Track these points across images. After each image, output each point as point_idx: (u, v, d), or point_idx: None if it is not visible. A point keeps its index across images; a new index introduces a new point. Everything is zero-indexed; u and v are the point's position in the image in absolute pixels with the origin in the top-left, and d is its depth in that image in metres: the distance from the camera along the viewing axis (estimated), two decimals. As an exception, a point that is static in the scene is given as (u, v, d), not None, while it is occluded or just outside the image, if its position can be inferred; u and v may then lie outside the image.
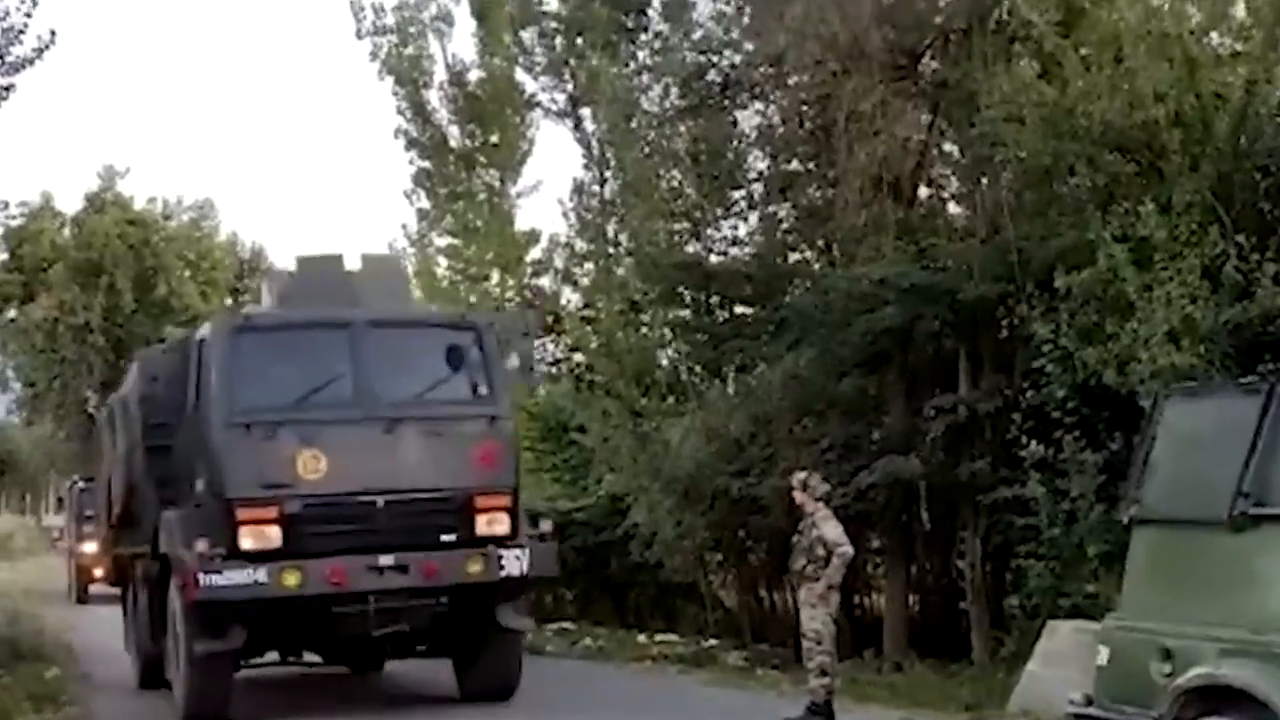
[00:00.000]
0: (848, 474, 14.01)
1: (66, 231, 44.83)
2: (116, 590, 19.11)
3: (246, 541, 10.34)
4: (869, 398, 15.54)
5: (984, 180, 14.46)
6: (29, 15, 13.44)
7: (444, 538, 10.75)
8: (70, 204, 45.88)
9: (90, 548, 23.53)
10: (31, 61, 13.62)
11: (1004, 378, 13.63)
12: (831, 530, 10.41)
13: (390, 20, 26.88)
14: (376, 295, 11.69)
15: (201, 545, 10.28)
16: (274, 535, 10.40)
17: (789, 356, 15.35)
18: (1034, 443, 11.58)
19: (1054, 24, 12.16)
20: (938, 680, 12.71)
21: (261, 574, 10.17)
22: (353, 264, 12.25)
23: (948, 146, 16.08)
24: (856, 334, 14.27)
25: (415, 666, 12.96)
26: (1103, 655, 6.65)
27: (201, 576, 10.17)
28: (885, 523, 15.25)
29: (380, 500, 10.62)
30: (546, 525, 11.59)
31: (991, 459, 13.38)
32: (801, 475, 10.87)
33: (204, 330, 11.80)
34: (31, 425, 53.60)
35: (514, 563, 10.84)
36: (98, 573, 23.78)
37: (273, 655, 12.19)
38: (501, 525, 10.98)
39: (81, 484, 26.50)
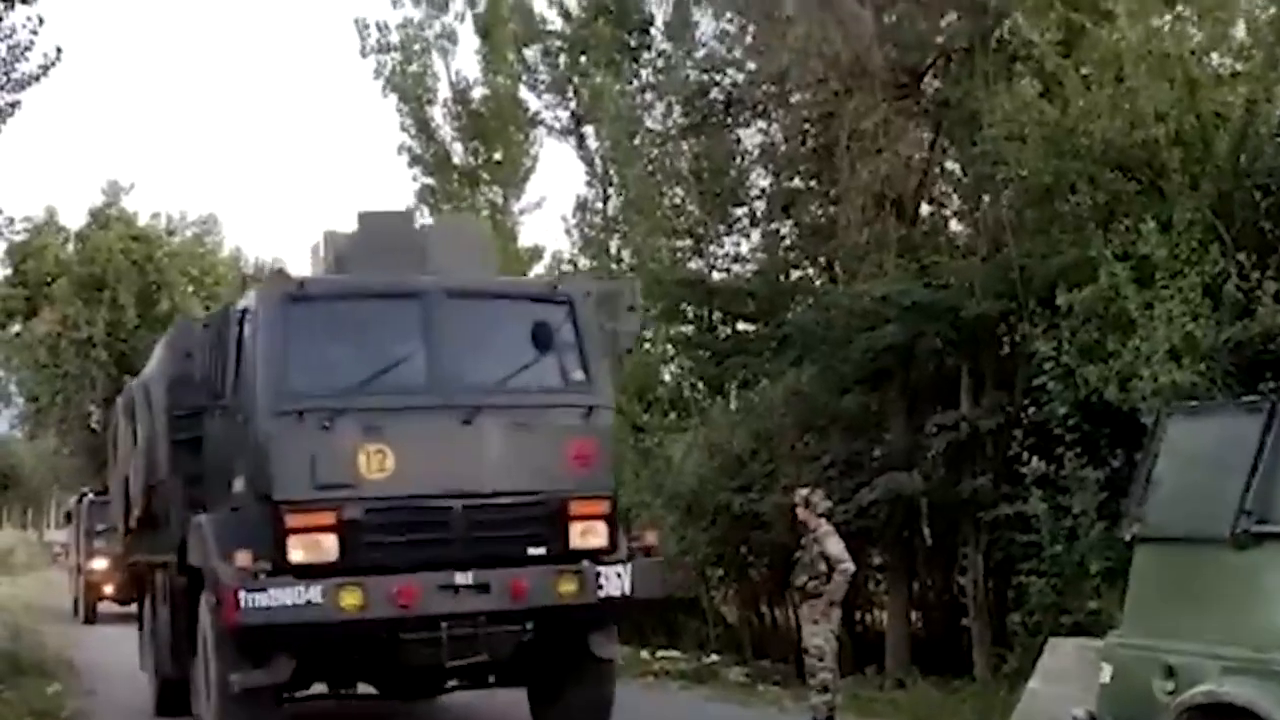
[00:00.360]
0: (849, 490, 14.05)
1: (70, 247, 44.86)
2: (127, 609, 18.78)
3: (297, 553, 8.69)
4: (871, 414, 15.57)
5: (986, 198, 14.53)
6: (35, 32, 13.52)
7: (531, 551, 9.13)
8: (74, 219, 45.97)
9: (100, 564, 22.84)
10: (37, 78, 13.69)
11: (1005, 395, 13.66)
12: (833, 546, 10.46)
13: (394, 38, 27.00)
14: (453, 259, 9.89)
15: (242, 558, 8.60)
16: (330, 546, 8.75)
17: (791, 373, 15.41)
18: (1035, 460, 11.59)
19: (1055, 44, 12.22)
20: (940, 697, 12.71)
21: (315, 593, 8.50)
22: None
23: (950, 165, 16.17)
24: (858, 351, 14.31)
25: (475, 695, 11.18)
26: (1105, 673, 6.66)
27: (242, 595, 8.46)
28: (887, 539, 15.26)
29: (457, 505, 8.99)
30: (650, 537, 9.89)
31: (993, 476, 13.39)
32: (804, 492, 10.93)
33: (248, 299, 9.73)
34: (34, 440, 53.63)
35: (614, 581, 9.19)
36: (108, 590, 23.42)
37: (319, 686, 10.33)
38: (598, 537, 9.34)
39: (91, 496, 25.47)
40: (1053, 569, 11.55)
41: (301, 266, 10.24)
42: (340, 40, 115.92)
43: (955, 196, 16.52)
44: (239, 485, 9.38)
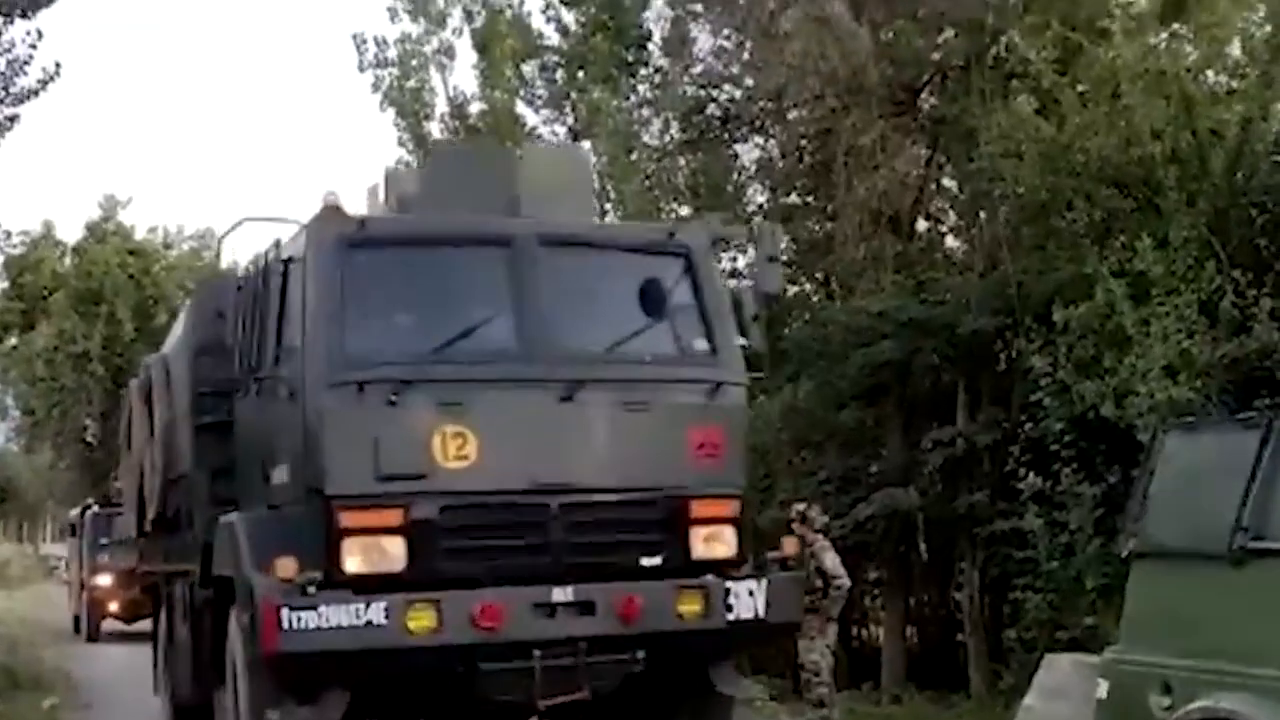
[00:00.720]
0: (846, 505, 14.08)
1: (67, 260, 44.90)
2: (133, 627, 18.40)
3: (354, 562, 7.02)
4: (867, 430, 15.61)
5: (982, 215, 14.60)
6: (34, 47, 13.63)
7: (645, 562, 7.47)
8: (71, 233, 46.00)
9: (105, 579, 22.19)
10: (36, 93, 13.80)
11: (1002, 410, 13.69)
12: (830, 562, 10.48)
13: (392, 53, 27.03)
14: (548, 200, 7.92)
15: (284, 567, 6.91)
16: (396, 553, 7.07)
17: (788, 388, 15.43)
18: (1032, 475, 11.62)
19: (1051, 61, 12.30)
20: (936, 712, 12.73)
21: (377, 612, 6.86)
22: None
23: (946, 181, 16.25)
24: (855, 366, 14.35)
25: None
26: (1102, 688, 6.66)
27: (284, 615, 6.80)
28: (883, 554, 15.28)
29: (554, 503, 7.30)
30: (789, 545, 8.18)
31: (989, 491, 13.42)
32: (800, 507, 10.95)
33: (295, 244, 7.77)
34: (30, 453, 53.60)
35: (744, 601, 7.50)
36: (113, 607, 22.94)
37: None
38: (726, 545, 7.65)
39: (95, 509, 24.62)
40: (1049, 585, 11.57)
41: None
42: (338, 55, 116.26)
43: (952, 213, 16.59)
44: (280, 476, 7.68)
